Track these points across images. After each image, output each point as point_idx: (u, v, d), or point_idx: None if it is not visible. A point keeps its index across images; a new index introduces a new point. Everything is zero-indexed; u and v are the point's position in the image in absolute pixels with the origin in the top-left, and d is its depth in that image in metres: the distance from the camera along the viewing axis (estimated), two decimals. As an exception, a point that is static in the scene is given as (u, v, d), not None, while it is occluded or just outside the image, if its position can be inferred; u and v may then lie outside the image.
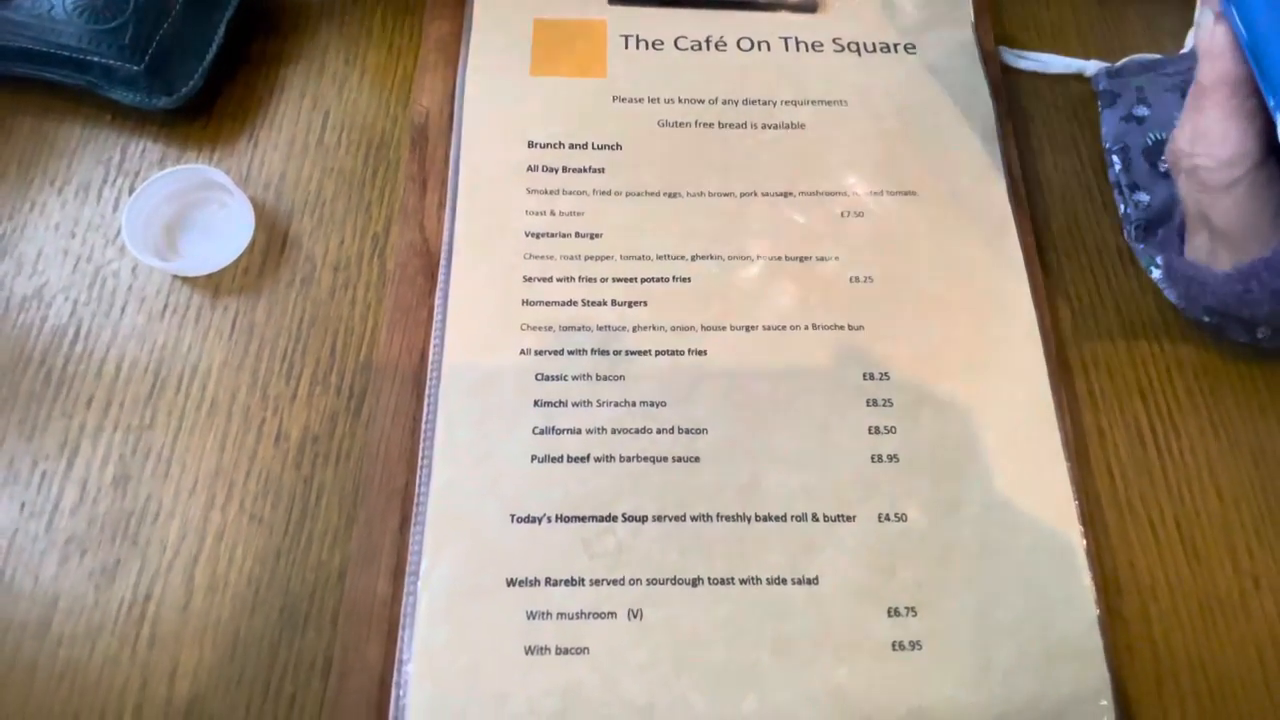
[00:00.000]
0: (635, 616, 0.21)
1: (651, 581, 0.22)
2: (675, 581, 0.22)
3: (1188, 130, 0.23)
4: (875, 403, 0.24)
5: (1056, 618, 0.22)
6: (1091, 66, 0.31)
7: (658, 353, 0.25)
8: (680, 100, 0.29)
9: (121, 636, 0.22)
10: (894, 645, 0.21)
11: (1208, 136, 0.22)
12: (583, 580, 0.22)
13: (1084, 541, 0.23)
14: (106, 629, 0.22)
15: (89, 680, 0.21)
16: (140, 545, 0.23)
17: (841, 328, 0.25)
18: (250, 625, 0.22)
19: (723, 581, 0.22)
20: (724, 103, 0.29)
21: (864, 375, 0.25)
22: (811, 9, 0.31)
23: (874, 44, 0.30)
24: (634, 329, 0.25)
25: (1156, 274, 0.27)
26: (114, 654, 0.21)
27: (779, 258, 0.26)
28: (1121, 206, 0.28)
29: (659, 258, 0.26)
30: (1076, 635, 0.22)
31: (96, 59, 0.27)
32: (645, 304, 0.25)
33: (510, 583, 0.22)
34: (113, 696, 0.21)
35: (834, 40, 0.30)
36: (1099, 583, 0.22)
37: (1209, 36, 0.22)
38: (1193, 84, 0.22)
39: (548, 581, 0.22)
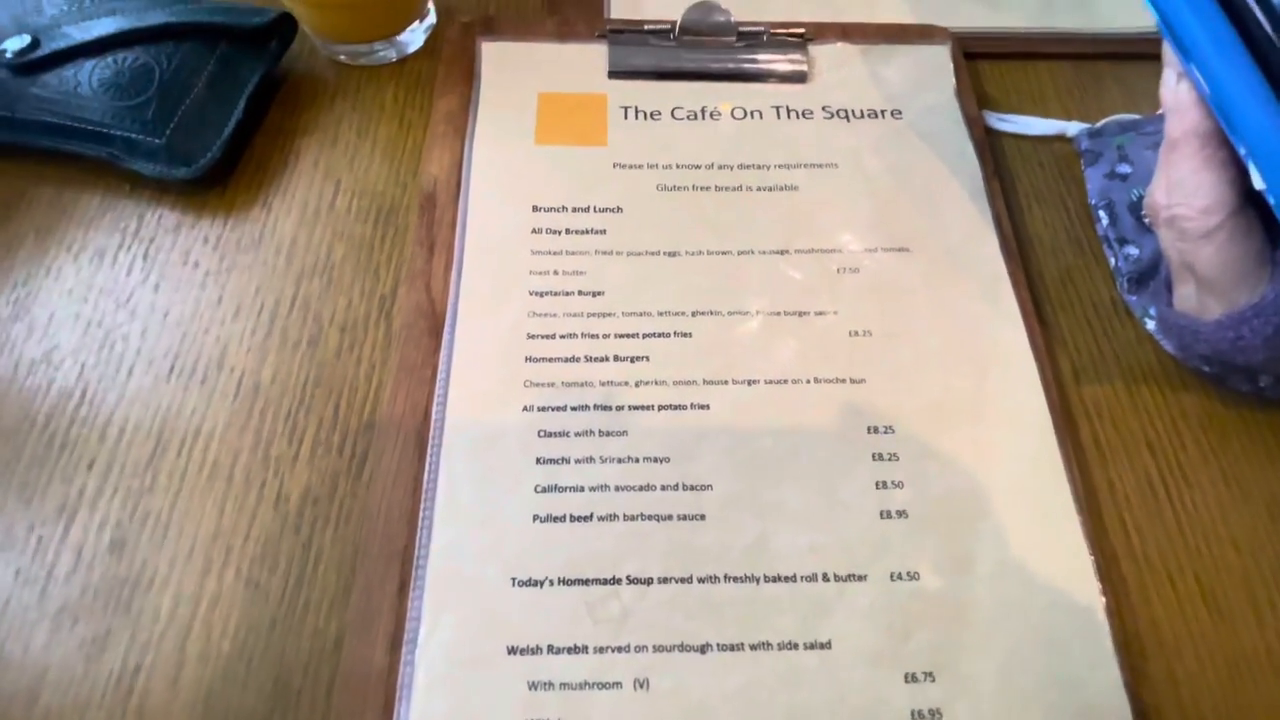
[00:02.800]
0: (641, 686, 0.21)
1: (658, 648, 0.21)
2: (683, 648, 0.21)
3: (1163, 183, 0.23)
4: (881, 457, 0.24)
5: (1081, 680, 0.21)
6: (1072, 127, 0.32)
7: (660, 407, 0.25)
8: (677, 166, 0.30)
9: (109, 711, 0.21)
10: (913, 715, 0.20)
11: (1183, 187, 0.22)
12: (586, 648, 0.21)
13: (1103, 599, 0.22)
14: (94, 702, 0.21)
15: (71, 760, 0.20)
16: (133, 614, 0.22)
17: (843, 381, 0.25)
18: (242, 699, 0.21)
19: (732, 648, 0.21)
20: (719, 167, 0.30)
21: (868, 429, 0.24)
22: (800, 80, 0.32)
23: (861, 110, 0.32)
24: (636, 384, 0.25)
25: (1151, 325, 0.27)
26: (99, 731, 0.21)
27: (778, 313, 0.27)
28: (1112, 260, 0.29)
29: (660, 313, 0.26)
30: (1103, 698, 0.21)
31: (119, 133, 0.29)
32: (647, 359, 0.26)
33: (511, 651, 0.21)
34: (94, 778, 0.20)
35: (823, 108, 0.32)
36: (1121, 642, 0.22)
37: (1173, 94, 0.23)
38: (1164, 139, 0.23)
39: (550, 649, 0.21)
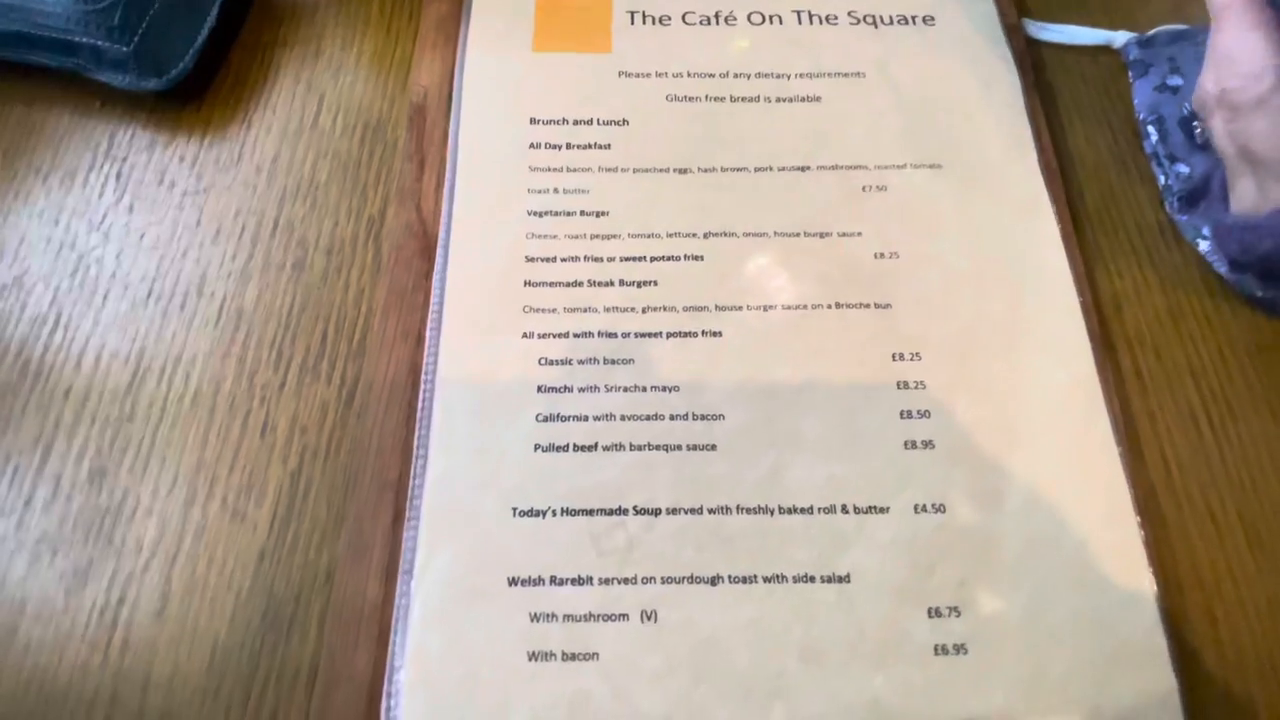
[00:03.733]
0: (649, 619, 0.20)
1: (666, 580, 0.20)
2: (692, 580, 0.20)
3: (1211, 70, 0.22)
4: (906, 385, 0.22)
5: (1115, 618, 0.20)
6: (1120, 37, 0.29)
7: (669, 334, 0.23)
8: (689, 75, 0.27)
9: (92, 644, 0.20)
10: (936, 649, 0.19)
11: (1230, 59, 0.21)
12: (591, 579, 0.20)
13: (1141, 534, 0.21)
14: (76, 635, 0.20)
15: (56, 690, 0.19)
16: (115, 545, 0.21)
17: (867, 306, 0.24)
18: (230, 632, 0.20)
19: (744, 580, 0.20)
20: (735, 76, 0.28)
21: (894, 356, 0.23)
22: (824, -18, 0.30)
23: (891, 16, 0.29)
24: (644, 310, 0.23)
25: (1204, 246, 0.25)
26: (84, 662, 0.20)
27: (797, 234, 0.25)
28: (1161, 178, 0.27)
29: (669, 235, 0.25)
30: (1138, 637, 0.20)
31: (85, 40, 0.27)
32: (655, 283, 0.24)
33: (512, 582, 0.20)
34: (81, 708, 0.19)
35: (849, 13, 0.29)
36: (1159, 579, 0.20)
37: None
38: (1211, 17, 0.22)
39: (552, 580, 0.20)
